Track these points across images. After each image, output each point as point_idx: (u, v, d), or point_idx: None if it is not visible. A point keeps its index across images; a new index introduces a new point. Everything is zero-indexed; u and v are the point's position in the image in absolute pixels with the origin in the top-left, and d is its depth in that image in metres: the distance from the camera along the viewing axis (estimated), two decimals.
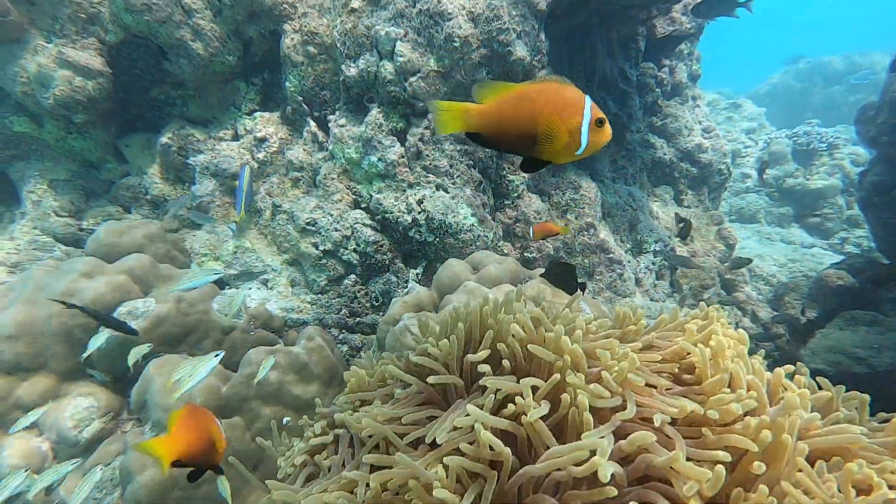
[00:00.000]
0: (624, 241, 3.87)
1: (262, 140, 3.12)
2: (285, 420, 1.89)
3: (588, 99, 0.95)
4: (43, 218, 2.91)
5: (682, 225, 3.69)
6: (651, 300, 3.84)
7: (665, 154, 4.72)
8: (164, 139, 2.97)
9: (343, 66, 2.85)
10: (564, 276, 2.13)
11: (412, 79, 2.73)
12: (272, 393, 1.94)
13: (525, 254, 3.16)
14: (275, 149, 3.14)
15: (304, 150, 3.12)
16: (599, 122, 0.94)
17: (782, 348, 4.52)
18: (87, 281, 2.02)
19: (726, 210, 8.30)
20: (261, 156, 3.13)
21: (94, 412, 1.81)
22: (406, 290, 2.87)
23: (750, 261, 4.50)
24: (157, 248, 2.47)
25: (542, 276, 2.19)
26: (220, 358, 1.56)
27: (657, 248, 4.03)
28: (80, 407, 1.81)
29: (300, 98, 3.04)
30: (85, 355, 1.80)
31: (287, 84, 3.03)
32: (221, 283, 2.77)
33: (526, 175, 3.13)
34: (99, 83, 2.71)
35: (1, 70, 2.75)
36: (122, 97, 2.93)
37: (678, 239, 4.07)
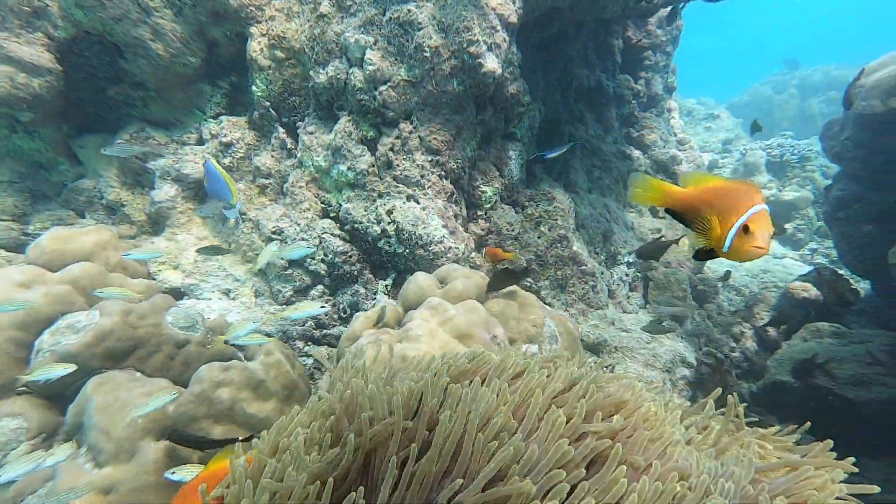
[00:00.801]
0: (598, 253, 3.90)
1: (229, 145, 3.05)
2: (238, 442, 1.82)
3: (758, 207, 0.99)
4: None
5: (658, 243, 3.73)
6: (623, 312, 3.87)
7: (640, 165, 4.77)
8: (121, 141, 2.87)
9: (312, 72, 2.80)
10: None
11: (382, 87, 2.70)
12: (224, 412, 1.87)
13: (498, 266, 3.15)
14: (241, 154, 3.07)
15: (272, 156, 3.06)
16: (746, 230, 0.98)
17: (750, 360, 4.61)
18: (22, 291, 1.92)
19: None
20: (226, 161, 3.05)
21: (22, 433, 1.71)
22: (374, 301, 2.82)
23: (729, 274, 4.58)
24: (108, 255, 2.37)
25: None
26: (174, 398, 1.51)
27: (630, 260, 4.07)
28: (7, 428, 1.71)
29: (268, 104, 2.98)
30: (28, 379, 1.71)
31: (254, 88, 2.96)
32: (179, 294, 2.68)
33: (498, 186, 3.12)
34: (47, 81, 2.60)
35: None
36: (75, 96, 2.82)
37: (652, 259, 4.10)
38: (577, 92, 4.22)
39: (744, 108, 14.42)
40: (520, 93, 2.99)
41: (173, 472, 1.55)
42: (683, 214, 1.13)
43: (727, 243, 1.01)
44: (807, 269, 6.34)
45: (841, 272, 4.65)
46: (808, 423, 1.24)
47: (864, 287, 5.00)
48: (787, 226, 7.87)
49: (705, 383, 3.51)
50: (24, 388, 1.90)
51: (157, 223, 2.97)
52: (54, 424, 1.80)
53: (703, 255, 1.10)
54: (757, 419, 1.25)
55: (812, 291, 4.44)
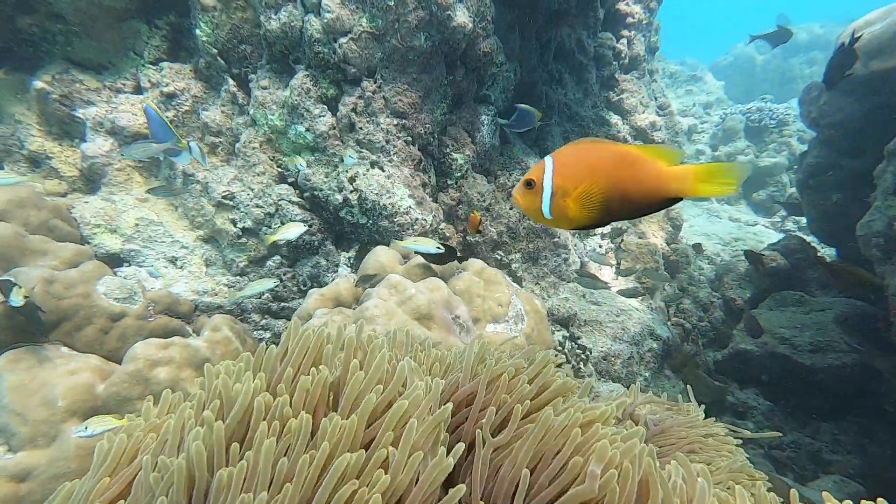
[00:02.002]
0: None
1: (172, 96, 2.77)
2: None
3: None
4: None
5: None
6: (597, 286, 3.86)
7: (619, 132, 4.66)
8: (39, 83, 2.55)
9: (262, 17, 2.53)
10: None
11: (342, 40, 2.46)
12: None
13: (468, 237, 3.04)
14: (187, 108, 2.81)
15: (221, 111, 2.80)
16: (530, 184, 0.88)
17: (717, 329, 4.74)
18: None
19: None
20: (170, 114, 2.78)
21: None
22: (335, 275, 2.70)
23: (700, 247, 4.60)
24: (27, 215, 2.15)
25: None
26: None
27: (604, 231, 4.02)
28: None
29: (215, 51, 2.69)
30: None
31: (198, 32, 2.66)
32: (118, 261, 2.49)
33: (469, 153, 2.97)
34: None
35: None
36: None
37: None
38: (556, 51, 4.01)
39: (727, 70, 14.29)
40: (493, 51, 2.79)
41: (84, 428, 1.42)
42: None
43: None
44: (778, 236, 6.49)
45: (808, 240, 4.75)
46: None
47: (830, 254, 5.13)
48: (760, 192, 7.99)
49: (671, 355, 3.58)
50: None
51: (91, 180, 2.72)
52: None
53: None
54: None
55: (780, 260, 4.51)
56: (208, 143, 2.81)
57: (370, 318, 1.74)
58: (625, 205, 0.87)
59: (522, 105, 2.81)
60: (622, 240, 4.15)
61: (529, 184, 0.86)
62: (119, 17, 2.63)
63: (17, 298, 1.59)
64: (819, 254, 4.54)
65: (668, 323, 3.98)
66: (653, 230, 4.82)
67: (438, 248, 2.02)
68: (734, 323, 4.56)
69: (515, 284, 2.66)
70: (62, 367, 1.68)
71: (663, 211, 5.15)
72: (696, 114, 10.46)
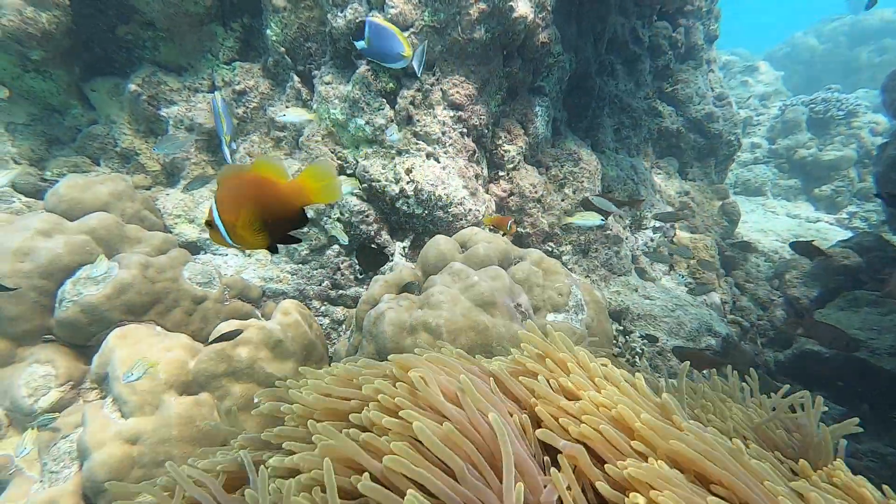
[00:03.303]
0: (622, 217, 3.80)
1: (242, 93, 2.96)
2: (256, 398, 1.86)
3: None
4: (1, 165, 2.77)
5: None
6: (646, 279, 3.82)
7: (673, 123, 4.56)
8: (132, 86, 2.79)
9: (329, 15, 2.65)
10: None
11: (405, 34, 2.55)
12: (243, 370, 1.91)
13: (518, 229, 3.09)
14: (255, 104, 2.99)
15: (286, 106, 2.96)
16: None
17: (779, 328, 4.57)
18: (43, 239, 1.93)
19: (732, 182, 8.19)
20: (240, 111, 2.97)
21: (51, 380, 1.77)
22: (392, 264, 2.81)
23: (749, 245, 4.45)
24: (124, 206, 2.37)
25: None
26: None
27: (656, 225, 3.97)
28: (37, 374, 1.76)
29: (283, 49, 2.85)
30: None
31: (268, 32, 2.83)
32: (196, 249, 2.69)
33: (522, 145, 3.00)
34: (55, 16, 2.51)
35: None
36: (85, 36, 2.73)
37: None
38: (609, 42, 3.98)
39: (783, 60, 13.58)
40: (551, 41, 2.81)
41: (130, 374, 1.61)
42: None
43: None
44: (843, 233, 6.16)
45: (886, 237, 4.49)
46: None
47: None
48: (824, 188, 7.58)
49: (729, 352, 3.50)
50: (50, 337, 1.95)
51: (171, 174, 2.95)
52: (80, 373, 1.86)
53: None
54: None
55: (853, 258, 4.29)
56: (273, 138, 2.98)
57: (436, 304, 1.82)
58: (278, 224, 0.98)
59: (374, 19, 2.08)
60: (675, 234, 4.07)
61: (209, 224, 0.97)
62: (200, 22, 2.83)
63: None
64: None
65: (725, 320, 3.88)
66: (707, 224, 4.70)
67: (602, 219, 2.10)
68: (798, 322, 4.38)
69: (573, 274, 2.69)
70: (159, 343, 1.86)
71: (718, 204, 5.01)
72: (751, 105, 10.01)
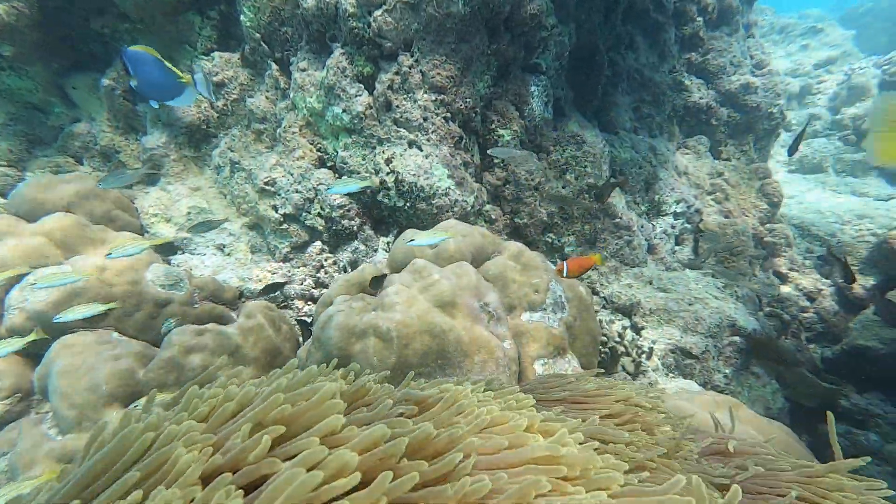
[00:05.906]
0: (637, 203, 3.53)
1: (221, 85, 2.91)
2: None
3: None
4: None
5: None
6: (666, 269, 3.55)
7: (702, 98, 4.20)
8: (107, 80, 2.79)
9: None
10: None
11: (377, 12, 2.42)
12: (196, 379, 1.86)
13: (515, 219, 2.91)
14: (235, 96, 2.94)
15: (266, 97, 2.90)
16: None
17: (827, 321, 4.19)
18: None
19: (784, 159, 7.57)
20: (220, 104, 2.93)
21: None
22: (374, 259, 2.70)
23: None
24: (92, 206, 2.37)
25: None
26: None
27: (678, 210, 3.67)
28: None
29: (258, 35, 2.78)
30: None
31: (242, 18, 2.76)
32: (171, 249, 2.68)
33: (517, 128, 2.81)
34: (14, 7, 2.51)
35: None
36: (61, 30, 2.73)
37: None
38: (625, 11, 3.67)
39: (863, 18, 12.41)
40: (541, 13, 2.60)
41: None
42: None
43: None
44: None
45: None
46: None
47: None
48: None
49: (756, 350, 3.19)
50: None
51: (152, 172, 2.95)
52: (31, 385, 1.85)
53: None
54: None
55: None
56: (254, 130, 2.93)
57: (389, 306, 1.71)
58: None
59: (136, 48, 1.79)
60: (701, 219, 3.76)
61: None
62: (175, 11, 2.79)
63: None
64: None
65: (760, 313, 3.55)
66: (743, 207, 4.33)
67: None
68: (851, 315, 3.98)
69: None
70: (108, 352, 1.83)
71: (757, 185, 4.60)
72: (809, 73, 9.22)
